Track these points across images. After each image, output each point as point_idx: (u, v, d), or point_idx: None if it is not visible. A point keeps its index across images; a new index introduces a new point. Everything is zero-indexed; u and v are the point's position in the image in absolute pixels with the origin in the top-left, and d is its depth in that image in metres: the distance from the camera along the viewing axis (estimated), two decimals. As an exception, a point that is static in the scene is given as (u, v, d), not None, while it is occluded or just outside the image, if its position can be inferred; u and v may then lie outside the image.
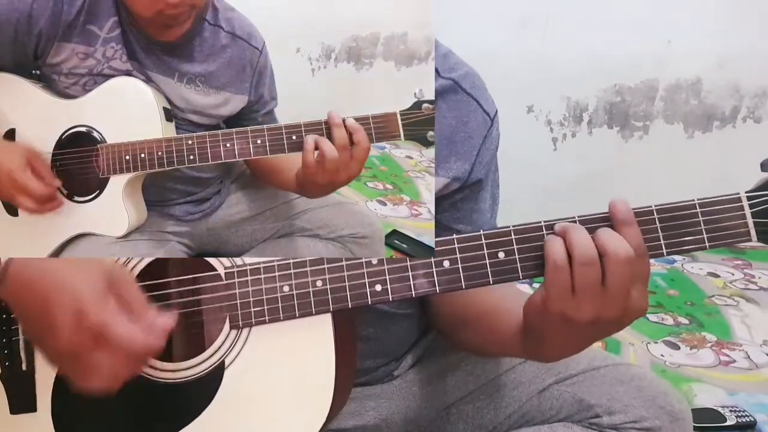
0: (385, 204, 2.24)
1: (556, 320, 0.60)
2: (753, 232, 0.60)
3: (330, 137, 0.84)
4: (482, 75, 0.89)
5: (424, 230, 1.98)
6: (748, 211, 0.60)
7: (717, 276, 2.05)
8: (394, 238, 1.84)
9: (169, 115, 0.95)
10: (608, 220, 0.61)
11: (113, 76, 0.93)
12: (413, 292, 0.65)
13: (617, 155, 2.32)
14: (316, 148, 0.84)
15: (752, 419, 1.33)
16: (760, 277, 2.04)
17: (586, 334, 0.63)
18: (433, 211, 0.86)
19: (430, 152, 0.82)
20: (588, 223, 0.61)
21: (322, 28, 2.54)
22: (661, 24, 2.14)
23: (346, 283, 0.67)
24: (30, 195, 0.89)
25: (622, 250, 0.58)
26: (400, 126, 0.84)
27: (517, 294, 0.73)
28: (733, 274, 2.06)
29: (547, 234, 0.61)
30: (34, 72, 0.99)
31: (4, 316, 0.76)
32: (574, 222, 0.61)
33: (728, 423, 1.31)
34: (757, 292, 1.95)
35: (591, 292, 0.58)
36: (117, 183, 0.94)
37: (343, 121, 0.84)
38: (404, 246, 1.81)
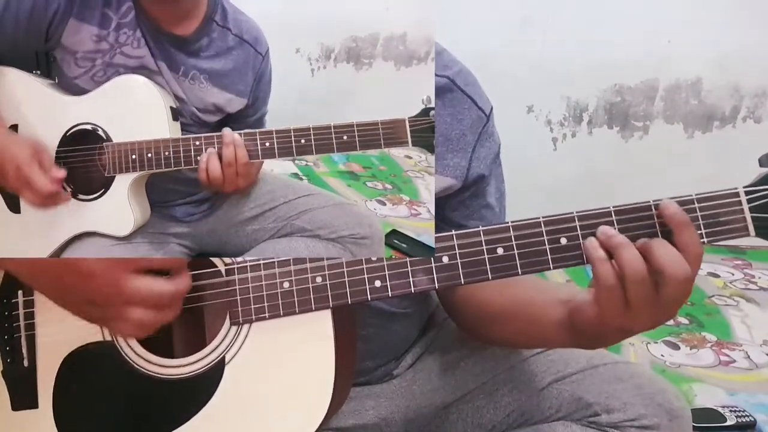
0: (384, 204, 2.23)
1: (614, 332, 0.61)
2: (751, 227, 0.60)
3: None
4: (482, 75, 0.89)
5: (423, 230, 1.98)
6: (746, 206, 0.60)
7: (717, 276, 2.04)
8: (393, 237, 1.84)
9: (176, 114, 0.95)
10: (607, 216, 0.61)
11: (124, 65, 0.93)
12: (412, 288, 0.65)
13: (617, 155, 2.32)
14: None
15: (752, 419, 1.33)
16: (760, 277, 2.04)
17: (639, 331, 0.63)
18: (433, 211, 0.87)
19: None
20: (587, 219, 0.61)
21: (322, 29, 2.54)
22: (661, 24, 2.14)
23: (346, 279, 0.67)
24: (34, 189, 0.89)
25: (681, 271, 0.57)
26: (408, 132, 0.85)
27: (545, 285, 0.74)
28: (733, 274, 2.06)
29: (589, 246, 0.60)
30: (34, 72, 0.99)
31: (6, 312, 0.77)
32: (573, 217, 0.61)
33: (728, 423, 1.31)
34: (757, 292, 1.95)
35: (647, 305, 0.58)
36: (123, 182, 0.94)
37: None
38: (404, 246, 1.81)
